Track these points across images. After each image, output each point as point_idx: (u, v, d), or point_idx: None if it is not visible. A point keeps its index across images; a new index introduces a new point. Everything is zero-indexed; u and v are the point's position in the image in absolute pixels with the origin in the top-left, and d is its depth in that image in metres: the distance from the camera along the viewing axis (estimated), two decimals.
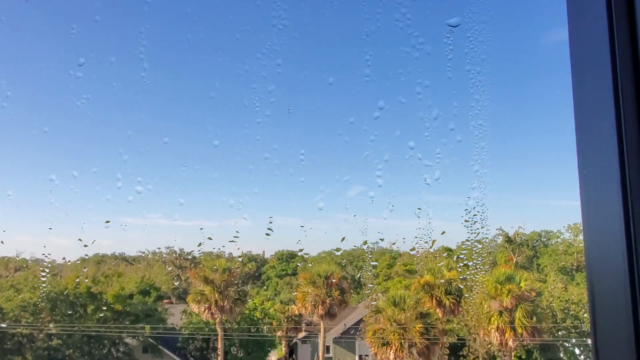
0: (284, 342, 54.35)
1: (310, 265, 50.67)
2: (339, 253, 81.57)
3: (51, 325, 33.98)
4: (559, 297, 35.36)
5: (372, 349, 30.15)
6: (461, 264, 34.15)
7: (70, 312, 35.52)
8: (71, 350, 33.76)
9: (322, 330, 36.66)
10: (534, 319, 29.85)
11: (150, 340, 39.35)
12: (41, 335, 33.13)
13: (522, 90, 63.48)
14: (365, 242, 42.64)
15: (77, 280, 37.33)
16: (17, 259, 63.63)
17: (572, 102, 1.35)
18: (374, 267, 71.19)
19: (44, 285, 36.20)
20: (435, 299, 34.01)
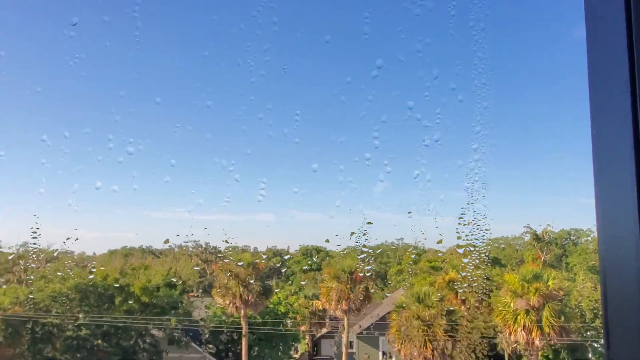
0: (307, 337, 54.64)
1: (333, 259, 50.77)
2: (366, 247, 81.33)
3: (80, 315, 34.81)
4: (588, 297, 34.71)
5: (396, 345, 30.08)
6: (487, 262, 33.78)
7: (98, 304, 36.33)
8: (99, 341, 34.54)
9: (345, 325, 36.75)
10: (562, 318, 29.39)
11: (176, 332, 39.99)
12: (70, 325, 33.99)
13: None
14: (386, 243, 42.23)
15: (105, 272, 38.19)
16: (48, 250, 65.34)
17: (589, 103, 1.36)
18: (399, 263, 70.94)
19: (73, 276, 37.13)
20: (460, 296, 33.77)
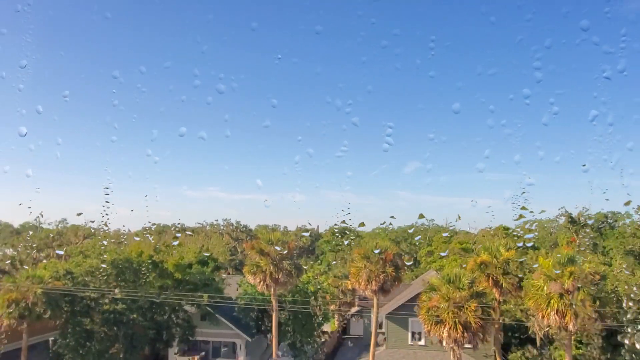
0: (337, 316, 55.07)
1: (364, 240, 50.71)
2: (395, 228, 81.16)
3: (116, 290, 35.78)
4: (625, 282, 33.83)
5: (426, 326, 29.98)
6: (520, 244, 33.19)
7: (134, 279, 37.26)
8: (135, 315, 35.51)
9: (375, 305, 36.74)
10: (597, 303, 28.75)
11: (208, 308, 40.77)
12: (107, 299, 35.02)
13: None
14: (421, 216, 41.67)
15: (140, 249, 39.06)
16: (85, 227, 67.34)
17: None
18: (429, 244, 70.48)
19: (109, 252, 38.13)
20: (492, 278, 33.33)
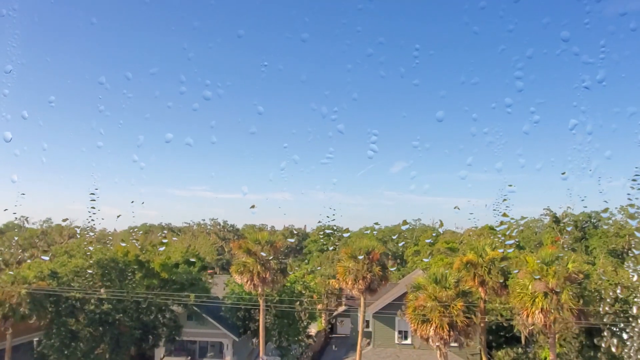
0: (324, 315, 55.13)
1: (349, 238, 50.83)
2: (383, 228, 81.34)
3: (102, 290, 35.45)
4: (608, 280, 34.30)
5: (412, 325, 30.08)
6: (506, 243, 33.46)
7: (119, 279, 36.94)
8: (121, 315, 35.21)
9: (362, 305, 36.79)
10: (581, 301, 29.09)
11: (195, 308, 40.57)
12: (93, 299, 34.68)
13: None
14: (405, 223, 41.97)
15: (126, 248, 38.74)
16: (70, 226, 66.68)
17: None
18: (415, 244, 70.86)
19: (95, 252, 37.76)
20: (478, 277, 33.60)
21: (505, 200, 10.56)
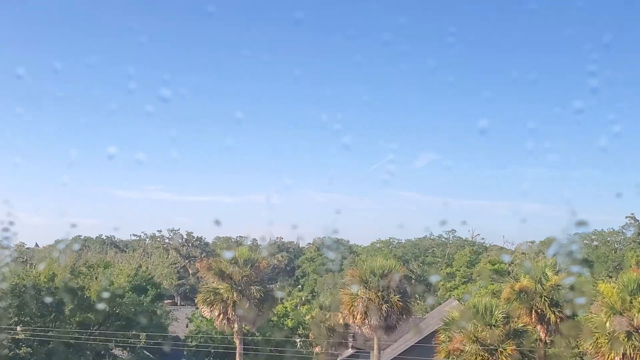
0: None
1: (360, 257, 50.44)
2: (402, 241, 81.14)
3: (18, 328, 35.02)
4: None
5: None
6: (574, 265, 33.19)
7: (42, 313, 36.54)
8: None
9: (375, 347, 36.75)
10: None
11: (146, 352, 40.25)
12: (5, 341, 34.18)
13: None
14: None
15: (52, 270, 38.32)
16: None
17: None
18: (449, 264, 70.56)
19: (8, 276, 37.27)
20: (536, 312, 33.32)
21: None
